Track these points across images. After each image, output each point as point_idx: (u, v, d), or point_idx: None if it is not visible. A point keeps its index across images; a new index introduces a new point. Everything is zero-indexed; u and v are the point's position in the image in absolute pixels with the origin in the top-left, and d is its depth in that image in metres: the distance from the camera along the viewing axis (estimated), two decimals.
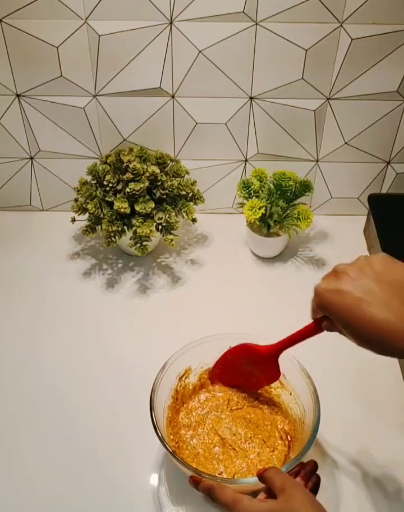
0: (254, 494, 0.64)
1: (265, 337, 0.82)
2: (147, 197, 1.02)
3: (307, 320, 0.97)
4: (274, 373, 0.78)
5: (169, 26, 0.97)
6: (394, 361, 0.93)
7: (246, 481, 0.68)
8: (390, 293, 0.56)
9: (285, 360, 0.76)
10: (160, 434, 0.70)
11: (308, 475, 0.68)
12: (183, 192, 1.05)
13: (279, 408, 0.81)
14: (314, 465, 0.69)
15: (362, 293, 0.56)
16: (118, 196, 1.02)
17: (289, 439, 0.78)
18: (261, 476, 0.63)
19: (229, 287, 1.07)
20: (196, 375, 0.84)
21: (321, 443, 0.82)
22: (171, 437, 0.78)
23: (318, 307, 0.61)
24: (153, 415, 0.72)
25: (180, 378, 0.82)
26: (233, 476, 0.74)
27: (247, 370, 0.80)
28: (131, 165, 1.01)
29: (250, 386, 0.82)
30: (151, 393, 0.74)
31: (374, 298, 0.56)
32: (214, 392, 0.83)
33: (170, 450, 0.69)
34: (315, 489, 0.67)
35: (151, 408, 0.73)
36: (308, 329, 0.69)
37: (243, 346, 0.78)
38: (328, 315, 0.61)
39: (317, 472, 0.68)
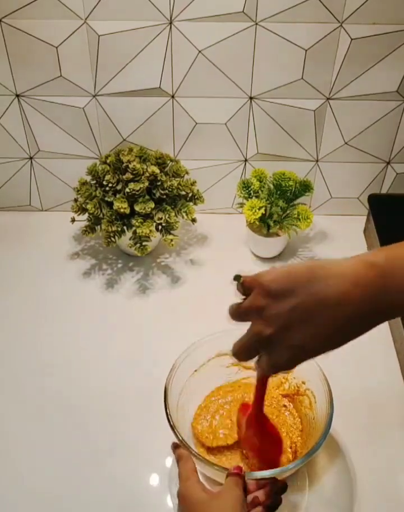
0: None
1: None
2: (147, 197, 1.02)
3: None
4: (276, 440, 0.75)
5: (169, 26, 0.97)
6: (394, 361, 0.93)
7: (252, 475, 0.67)
8: (308, 276, 0.52)
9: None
10: (171, 422, 0.71)
11: (272, 493, 0.65)
12: (183, 192, 1.05)
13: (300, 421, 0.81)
14: (283, 486, 0.66)
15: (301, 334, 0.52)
16: (117, 196, 1.02)
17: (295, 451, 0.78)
18: (227, 474, 0.63)
19: (229, 287, 1.06)
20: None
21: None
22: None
23: (289, 368, 0.58)
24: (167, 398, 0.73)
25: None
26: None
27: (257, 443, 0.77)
28: (130, 165, 1.01)
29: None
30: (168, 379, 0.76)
31: (308, 318, 0.51)
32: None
33: (179, 436, 0.70)
34: (271, 508, 0.64)
35: (165, 397, 0.74)
36: (261, 385, 0.67)
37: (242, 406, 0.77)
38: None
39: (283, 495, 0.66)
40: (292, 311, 0.52)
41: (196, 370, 0.83)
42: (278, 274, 0.54)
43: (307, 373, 0.78)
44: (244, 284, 0.57)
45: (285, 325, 0.52)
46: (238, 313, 0.58)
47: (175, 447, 0.69)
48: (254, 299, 0.55)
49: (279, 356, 0.54)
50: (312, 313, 0.51)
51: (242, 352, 0.58)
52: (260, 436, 0.74)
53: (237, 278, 0.58)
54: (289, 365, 0.57)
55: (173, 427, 0.71)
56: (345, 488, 0.78)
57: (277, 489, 0.66)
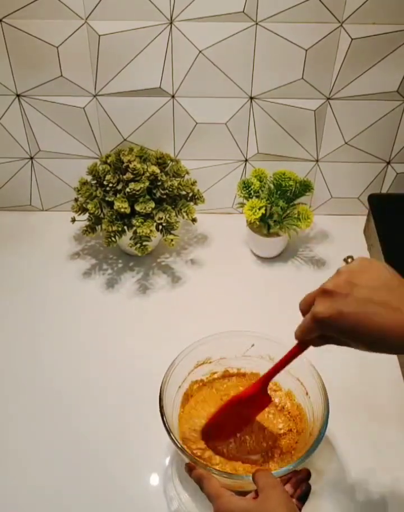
0: (244, 493, 0.65)
1: (265, 337, 0.82)
2: (147, 197, 1.02)
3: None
4: (264, 402, 0.77)
5: (169, 26, 0.97)
6: (394, 363, 0.93)
7: (239, 477, 0.69)
8: (385, 295, 0.56)
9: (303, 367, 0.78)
10: (167, 425, 0.71)
11: (298, 482, 0.68)
12: (183, 192, 1.05)
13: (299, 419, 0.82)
14: (307, 473, 0.69)
15: (363, 307, 0.56)
16: (118, 196, 1.02)
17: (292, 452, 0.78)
18: (253, 478, 0.64)
19: (229, 287, 1.07)
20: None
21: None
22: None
23: (322, 331, 0.60)
24: (162, 403, 0.73)
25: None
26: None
27: (238, 416, 0.79)
28: (131, 165, 1.01)
29: (242, 425, 0.80)
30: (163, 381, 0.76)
31: (375, 307, 0.56)
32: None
33: (175, 440, 0.70)
34: (303, 497, 0.67)
35: (161, 398, 0.74)
36: (293, 354, 0.69)
37: (231, 400, 0.78)
38: (332, 335, 0.60)
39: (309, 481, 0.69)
40: (360, 288, 0.57)
41: (193, 371, 0.83)
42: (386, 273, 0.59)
43: (303, 372, 0.79)
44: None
45: (346, 292, 0.57)
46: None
47: (190, 468, 0.69)
48: (345, 266, 0.61)
49: (322, 308, 0.58)
50: (372, 300, 0.56)
51: (304, 300, 0.63)
52: (247, 401, 0.75)
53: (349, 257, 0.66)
54: (323, 323, 0.58)
55: (168, 431, 0.71)
56: (345, 488, 0.78)
57: (302, 477, 0.69)
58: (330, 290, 0.58)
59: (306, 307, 0.62)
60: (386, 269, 0.59)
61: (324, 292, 0.59)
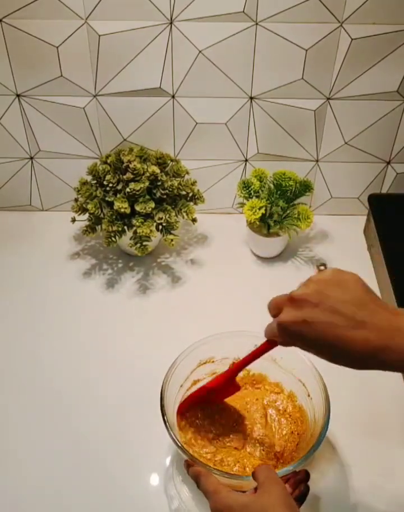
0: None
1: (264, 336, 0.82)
2: (147, 197, 1.02)
3: None
4: (232, 390, 0.80)
5: (169, 26, 0.97)
6: None
7: (239, 478, 0.70)
8: (354, 309, 0.55)
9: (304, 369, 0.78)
10: (168, 425, 0.71)
11: (297, 483, 0.68)
12: (183, 192, 1.05)
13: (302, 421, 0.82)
14: (305, 474, 0.69)
15: (329, 318, 0.55)
16: (118, 196, 1.02)
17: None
18: (253, 475, 0.64)
19: (229, 287, 1.07)
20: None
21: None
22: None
23: (287, 339, 0.60)
24: (163, 401, 0.74)
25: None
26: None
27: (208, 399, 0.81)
28: (131, 165, 1.01)
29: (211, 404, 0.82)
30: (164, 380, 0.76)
31: (343, 319, 0.55)
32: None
33: (176, 439, 0.70)
34: (301, 498, 0.67)
35: (162, 397, 0.74)
36: (262, 350, 0.70)
37: (201, 389, 0.80)
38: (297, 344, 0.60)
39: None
40: (329, 299, 0.56)
41: (195, 370, 0.83)
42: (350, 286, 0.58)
43: (305, 374, 0.79)
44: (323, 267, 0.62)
45: (316, 301, 0.57)
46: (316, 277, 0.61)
47: (188, 466, 0.69)
48: (319, 274, 0.60)
49: (286, 315, 0.59)
50: (341, 313, 0.55)
51: (273, 303, 0.63)
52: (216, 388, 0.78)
53: (322, 264, 0.66)
54: (287, 330, 0.59)
55: (169, 430, 0.71)
56: (345, 489, 0.78)
57: (300, 478, 0.68)
58: (298, 299, 0.58)
59: (275, 311, 0.62)
60: (359, 283, 0.58)
61: (292, 300, 0.59)
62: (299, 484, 0.68)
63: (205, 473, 0.66)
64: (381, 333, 0.54)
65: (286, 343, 0.63)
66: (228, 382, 0.77)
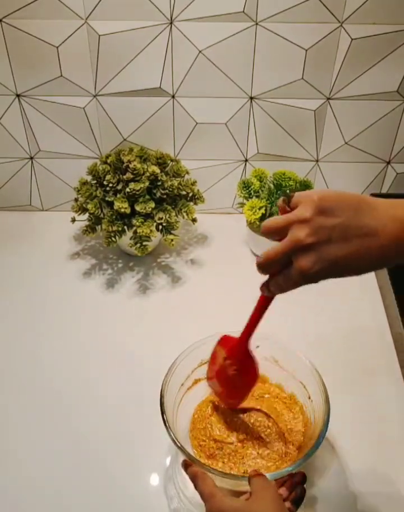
0: (239, 494, 0.65)
1: (266, 337, 0.82)
2: (147, 197, 1.02)
3: (307, 320, 0.98)
4: (253, 369, 0.76)
5: (169, 26, 0.97)
6: (395, 363, 0.93)
7: (237, 478, 0.69)
8: (360, 219, 0.55)
9: (303, 368, 0.78)
10: (167, 425, 0.71)
11: (294, 485, 0.68)
12: (183, 192, 1.05)
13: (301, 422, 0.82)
14: (302, 477, 0.69)
15: (346, 247, 0.55)
16: (118, 196, 1.02)
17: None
18: (248, 482, 0.64)
19: (229, 287, 1.07)
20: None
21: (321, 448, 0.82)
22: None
23: (316, 281, 0.58)
24: (163, 401, 0.73)
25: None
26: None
27: (233, 375, 0.78)
28: (131, 165, 1.01)
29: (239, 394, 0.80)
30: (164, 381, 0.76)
31: (357, 240, 0.55)
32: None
33: (175, 439, 0.70)
34: (297, 501, 0.67)
35: (162, 396, 0.74)
36: (264, 305, 0.67)
37: (223, 338, 0.78)
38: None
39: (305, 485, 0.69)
40: (334, 228, 0.55)
41: (196, 369, 0.83)
42: (329, 194, 0.57)
43: (305, 375, 0.79)
44: (292, 199, 0.58)
45: (326, 238, 0.55)
46: (279, 223, 0.57)
47: (186, 466, 0.69)
48: (302, 211, 0.56)
49: (311, 264, 0.56)
50: (351, 235, 0.55)
51: (274, 259, 0.58)
52: (237, 366, 0.75)
53: (286, 194, 0.60)
54: (314, 277, 0.57)
55: (168, 429, 0.71)
56: (344, 490, 0.78)
57: (297, 481, 0.68)
58: (309, 242, 0.55)
59: (274, 232, 0.58)
60: (343, 192, 0.57)
61: (303, 247, 0.55)
62: (295, 487, 0.68)
63: (202, 475, 0.66)
64: (392, 232, 0.55)
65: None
66: (244, 354, 0.74)
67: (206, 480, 0.65)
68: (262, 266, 0.60)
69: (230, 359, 0.76)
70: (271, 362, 0.83)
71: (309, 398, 0.79)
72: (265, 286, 0.62)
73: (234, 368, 0.76)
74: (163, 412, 0.72)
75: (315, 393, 0.77)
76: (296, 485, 0.68)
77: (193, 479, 0.67)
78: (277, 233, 0.58)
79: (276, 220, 0.58)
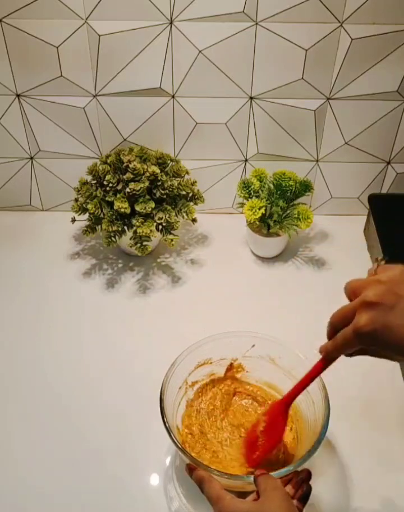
0: (244, 494, 0.65)
1: (266, 337, 0.82)
2: (147, 197, 1.02)
3: (307, 319, 0.98)
4: (280, 430, 0.75)
5: (169, 26, 0.97)
6: (395, 363, 0.93)
7: (239, 478, 0.69)
8: None
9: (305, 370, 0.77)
10: (167, 424, 0.71)
11: (300, 483, 0.68)
12: (183, 192, 1.05)
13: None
14: (307, 474, 0.69)
15: None
16: (118, 196, 1.02)
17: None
18: (254, 482, 0.64)
19: (229, 287, 1.07)
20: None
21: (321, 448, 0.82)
22: (186, 422, 0.80)
23: (364, 344, 0.58)
24: (163, 405, 0.74)
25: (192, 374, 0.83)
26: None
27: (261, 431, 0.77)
28: (131, 165, 1.01)
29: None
30: (163, 383, 0.76)
31: None
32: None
33: (176, 440, 0.70)
34: (304, 498, 0.67)
35: (161, 399, 0.74)
36: (318, 370, 0.66)
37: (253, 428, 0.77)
38: (374, 348, 0.59)
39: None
40: (402, 298, 0.55)
41: (197, 368, 0.83)
42: None
43: (302, 373, 0.78)
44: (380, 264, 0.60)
45: (391, 303, 0.55)
46: (360, 282, 0.59)
47: (190, 469, 0.68)
48: (383, 274, 0.58)
49: (366, 322, 0.56)
50: None
51: (342, 311, 0.60)
52: (268, 422, 0.74)
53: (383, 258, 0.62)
54: (366, 337, 0.57)
55: (169, 431, 0.71)
56: (344, 488, 0.78)
57: (303, 478, 0.68)
58: (374, 302, 0.55)
59: (340, 320, 0.60)
60: None
61: (366, 304, 0.56)
62: (301, 484, 0.68)
63: (208, 479, 0.66)
64: None
65: (354, 353, 0.61)
66: (282, 414, 0.73)
67: (212, 483, 0.65)
68: (331, 320, 0.61)
69: (266, 415, 0.75)
70: (267, 361, 0.83)
71: (308, 396, 0.79)
72: (324, 346, 0.63)
73: (265, 424, 0.75)
74: (163, 415, 0.72)
75: (313, 391, 0.77)
76: (302, 483, 0.68)
77: (199, 482, 0.67)
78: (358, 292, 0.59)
79: (361, 279, 0.60)
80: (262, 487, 0.62)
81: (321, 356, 0.64)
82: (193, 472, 0.68)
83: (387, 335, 0.55)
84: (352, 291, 0.59)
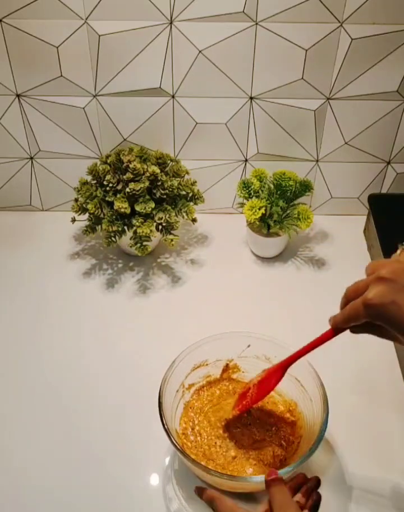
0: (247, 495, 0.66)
1: (266, 337, 0.82)
2: (147, 197, 1.02)
3: (307, 319, 0.98)
4: (269, 387, 0.77)
5: (169, 26, 0.97)
6: (394, 363, 0.93)
7: (251, 480, 0.70)
8: None
9: (302, 367, 0.78)
10: (166, 426, 0.71)
11: (310, 491, 0.67)
12: (183, 192, 1.05)
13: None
14: (317, 482, 0.69)
15: None
16: (118, 196, 1.02)
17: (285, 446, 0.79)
18: (267, 488, 0.64)
19: (229, 287, 1.07)
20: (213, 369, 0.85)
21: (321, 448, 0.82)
22: (184, 425, 0.81)
23: (371, 318, 0.59)
24: (162, 411, 0.73)
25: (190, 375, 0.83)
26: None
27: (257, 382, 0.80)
28: (131, 165, 1.01)
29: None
30: (161, 388, 0.76)
31: None
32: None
33: (176, 443, 0.70)
34: (314, 508, 0.66)
35: (160, 405, 0.74)
36: (325, 338, 0.67)
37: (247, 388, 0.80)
38: (381, 324, 0.59)
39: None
40: None
41: (194, 370, 0.83)
42: None
43: (302, 373, 0.79)
44: None
45: (402, 281, 0.56)
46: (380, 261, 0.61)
47: (199, 491, 0.68)
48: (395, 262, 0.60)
49: (375, 295, 0.57)
50: None
51: (357, 284, 0.61)
52: (261, 381, 0.77)
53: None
54: (373, 309, 0.57)
55: (168, 432, 0.71)
56: (344, 488, 0.78)
57: (312, 486, 0.68)
58: (387, 277, 0.56)
59: (353, 292, 0.61)
60: None
61: (380, 279, 0.57)
62: (311, 493, 0.67)
63: (219, 497, 0.65)
64: None
65: (361, 329, 0.61)
66: (276, 375, 0.75)
67: (224, 502, 0.64)
68: (346, 293, 0.62)
69: (264, 372, 0.77)
70: (263, 360, 0.83)
71: (306, 396, 0.79)
72: (333, 316, 0.64)
73: (259, 379, 0.78)
74: (161, 417, 0.72)
75: (312, 391, 0.77)
76: (312, 491, 0.67)
77: (211, 503, 0.66)
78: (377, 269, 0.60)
79: (383, 260, 0.61)
80: (277, 503, 0.61)
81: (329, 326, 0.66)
82: (203, 494, 0.67)
83: (394, 312, 0.56)
84: (372, 269, 0.60)
